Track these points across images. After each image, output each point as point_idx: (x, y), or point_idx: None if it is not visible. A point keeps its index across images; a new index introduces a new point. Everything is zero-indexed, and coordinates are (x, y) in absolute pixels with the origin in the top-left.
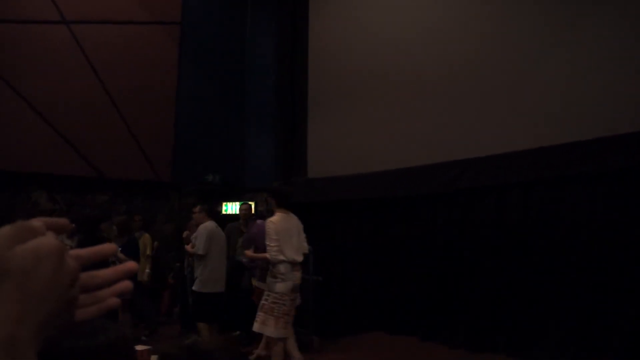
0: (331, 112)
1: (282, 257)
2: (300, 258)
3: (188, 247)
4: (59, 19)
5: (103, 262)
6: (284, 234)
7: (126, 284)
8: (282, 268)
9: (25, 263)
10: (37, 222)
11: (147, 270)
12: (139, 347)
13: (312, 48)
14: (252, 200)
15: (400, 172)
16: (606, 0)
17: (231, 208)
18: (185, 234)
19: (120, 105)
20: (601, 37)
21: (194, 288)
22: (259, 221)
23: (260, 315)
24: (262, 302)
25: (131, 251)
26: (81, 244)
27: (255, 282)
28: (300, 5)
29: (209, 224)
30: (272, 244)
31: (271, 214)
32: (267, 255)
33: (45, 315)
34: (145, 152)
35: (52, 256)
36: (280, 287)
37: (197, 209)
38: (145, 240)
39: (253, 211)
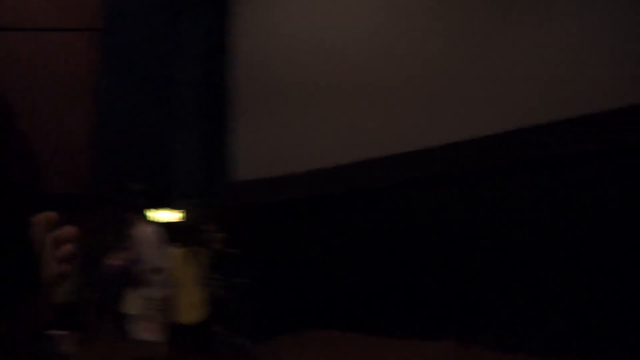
0: (259, 113)
1: None
2: None
3: None
4: None
5: None
6: None
7: (68, 248)
8: None
9: None
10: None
11: None
12: None
13: (239, 47)
14: (181, 209)
15: (334, 170)
16: None
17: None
18: None
19: (34, 115)
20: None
21: None
22: None
23: None
24: None
25: None
26: None
27: None
28: (226, 6)
29: None
30: None
31: None
32: None
33: None
34: (63, 163)
35: None
36: None
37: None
38: None
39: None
